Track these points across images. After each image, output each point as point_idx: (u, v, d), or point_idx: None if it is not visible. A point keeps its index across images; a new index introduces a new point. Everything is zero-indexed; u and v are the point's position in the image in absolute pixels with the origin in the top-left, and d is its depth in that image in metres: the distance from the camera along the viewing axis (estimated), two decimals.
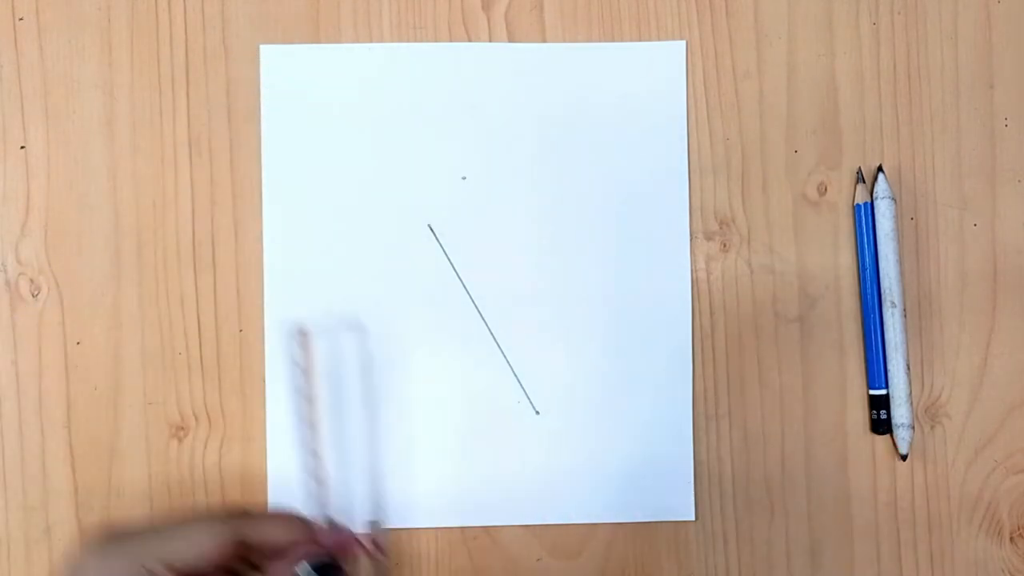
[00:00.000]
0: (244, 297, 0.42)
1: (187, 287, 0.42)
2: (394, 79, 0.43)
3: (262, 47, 0.43)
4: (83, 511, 0.42)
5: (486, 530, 0.43)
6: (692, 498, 0.42)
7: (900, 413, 0.42)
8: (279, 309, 0.42)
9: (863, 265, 0.43)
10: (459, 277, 0.43)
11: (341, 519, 0.38)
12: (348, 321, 0.42)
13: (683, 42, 0.44)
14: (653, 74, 0.43)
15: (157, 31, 0.43)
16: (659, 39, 0.44)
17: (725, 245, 0.44)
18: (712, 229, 0.44)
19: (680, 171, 0.43)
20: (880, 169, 0.43)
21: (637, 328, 0.43)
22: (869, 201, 0.43)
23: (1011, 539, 0.43)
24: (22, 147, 0.42)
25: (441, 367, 0.42)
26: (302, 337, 0.41)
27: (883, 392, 0.43)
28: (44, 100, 0.43)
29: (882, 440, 0.43)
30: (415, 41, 0.43)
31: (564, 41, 0.44)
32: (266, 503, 0.42)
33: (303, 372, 0.41)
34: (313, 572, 0.32)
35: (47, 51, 0.43)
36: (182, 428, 0.42)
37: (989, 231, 0.44)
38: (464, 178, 0.43)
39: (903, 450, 0.43)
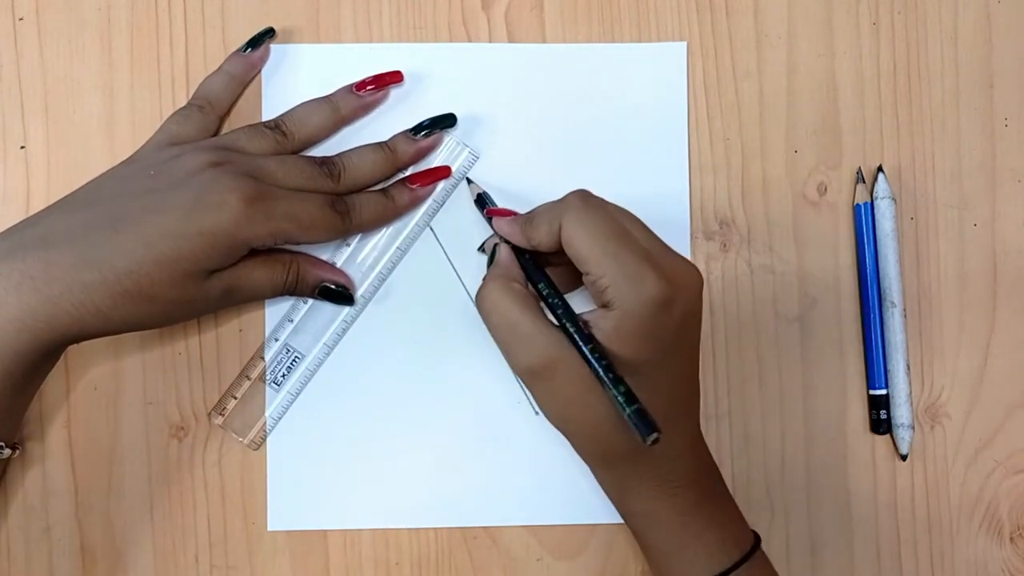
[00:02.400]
0: None
1: None
2: None
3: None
4: (83, 511, 0.42)
5: (486, 530, 0.43)
6: None
7: (900, 413, 0.42)
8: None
9: (863, 265, 0.43)
10: (459, 277, 0.43)
11: None
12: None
13: (684, 43, 0.44)
14: (654, 75, 0.43)
15: (157, 31, 0.43)
16: (659, 39, 0.44)
17: (725, 245, 0.44)
18: (712, 229, 0.44)
19: (680, 171, 0.43)
20: (880, 169, 0.43)
21: None
22: (869, 201, 0.43)
23: (1011, 539, 0.43)
24: (22, 147, 0.42)
25: (441, 367, 0.42)
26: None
27: (883, 392, 0.43)
28: (44, 100, 0.43)
29: (882, 440, 0.43)
30: (415, 41, 0.43)
31: (564, 41, 0.44)
32: (265, 504, 0.42)
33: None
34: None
35: (47, 51, 0.43)
36: (182, 428, 0.42)
37: (989, 231, 0.44)
38: (464, 178, 0.43)
39: (903, 450, 0.43)
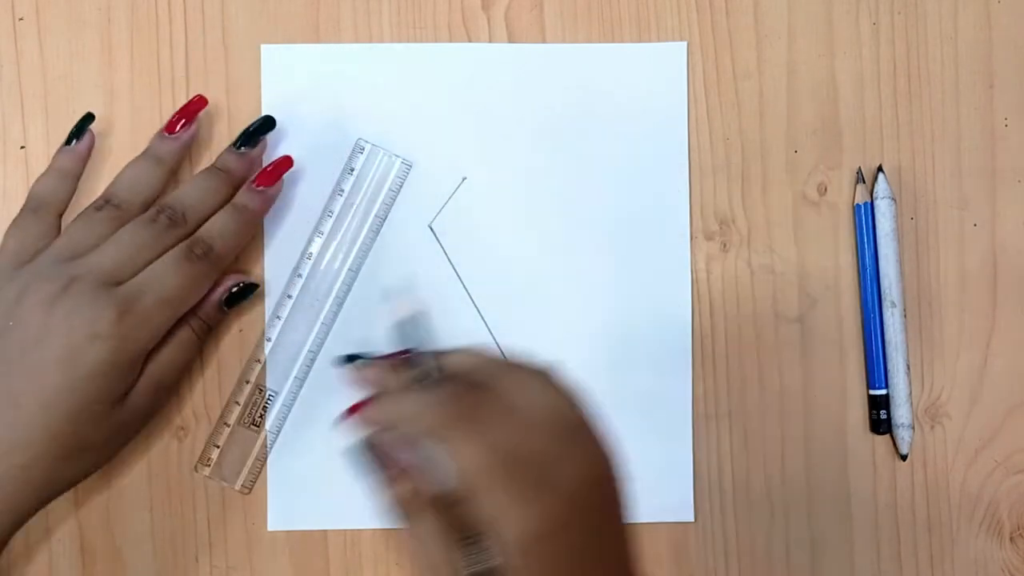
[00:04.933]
0: None
1: None
2: (394, 79, 0.43)
3: (263, 47, 0.43)
4: (83, 511, 0.42)
5: None
6: (691, 499, 0.42)
7: (900, 413, 0.42)
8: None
9: (863, 265, 0.43)
10: (459, 277, 0.43)
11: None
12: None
13: (684, 43, 0.44)
14: (654, 75, 0.43)
15: (157, 31, 0.43)
16: (659, 39, 0.44)
17: (725, 245, 0.44)
18: (712, 229, 0.44)
19: (680, 171, 0.43)
20: (880, 169, 0.43)
21: (637, 328, 0.43)
22: (869, 201, 0.43)
23: (1011, 539, 0.43)
24: (22, 147, 0.42)
25: None
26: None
27: (883, 392, 0.43)
28: (44, 100, 0.43)
29: (882, 440, 0.43)
30: (415, 41, 0.43)
31: (564, 41, 0.44)
32: (265, 504, 0.42)
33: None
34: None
35: (47, 51, 0.43)
36: (182, 428, 0.42)
37: (989, 231, 0.44)
38: (464, 178, 0.43)
39: (903, 450, 0.43)
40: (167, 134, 0.40)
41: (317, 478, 0.42)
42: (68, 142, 0.40)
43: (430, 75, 0.43)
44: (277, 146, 0.42)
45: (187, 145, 0.40)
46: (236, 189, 0.40)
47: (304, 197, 0.42)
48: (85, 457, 0.36)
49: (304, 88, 0.43)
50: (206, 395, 0.42)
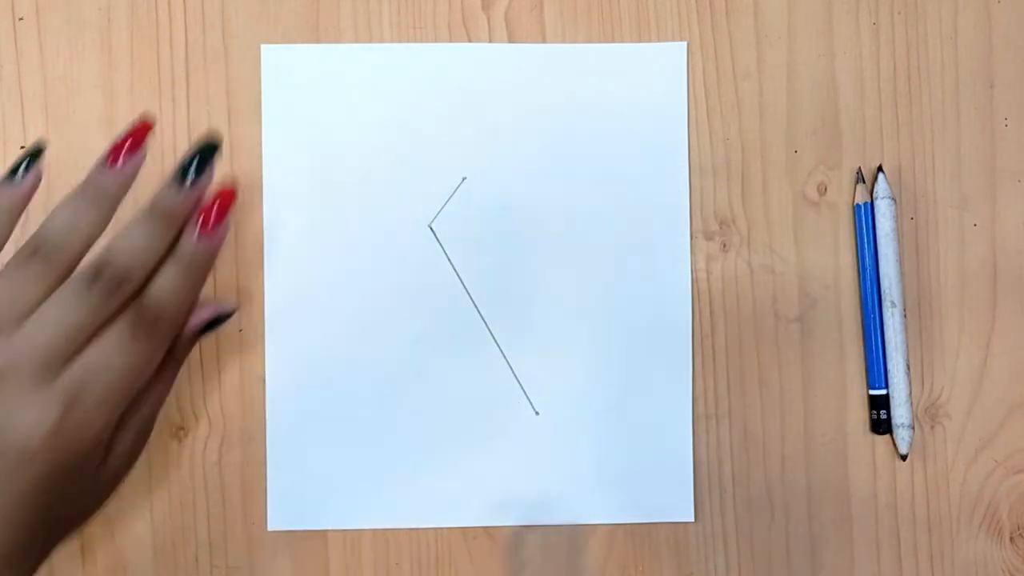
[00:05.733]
0: (244, 297, 0.42)
1: None
2: (394, 79, 0.43)
3: (263, 47, 0.43)
4: None
5: (486, 530, 0.43)
6: (691, 498, 0.43)
7: (900, 413, 0.42)
8: (280, 309, 0.42)
9: (863, 265, 0.43)
10: (459, 277, 0.43)
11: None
12: (349, 324, 0.42)
13: (684, 43, 0.44)
14: (654, 75, 0.44)
15: (157, 31, 0.43)
16: (659, 39, 0.44)
17: (725, 245, 0.44)
18: (712, 229, 0.44)
19: (680, 171, 0.43)
20: (880, 169, 0.43)
21: (637, 328, 0.43)
22: (869, 201, 0.43)
23: (1011, 539, 0.43)
24: (22, 147, 0.42)
25: (441, 367, 0.42)
26: None
27: (883, 392, 0.43)
28: (44, 100, 0.43)
29: (882, 440, 0.43)
30: (415, 41, 0.43)
31: (564, 41, 0.44)
32: (265, 504, 0.42)
33: None
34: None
35: (47, 51, 0.43)
36: (182, 428, 0.42)
37: (989, 231, 0.44)
38: (464, 178, 0.43)
39: (903, 450, 0.43)
40: (110, 166, 0.33)
41: (317, 478, 0.42)
42: (9, 177, 0.33)
43: (430, 75, 0.43)
44: (277, 145, 0.42)
45: (131, 179, 0.33)
46: (180, 228, 0.33)
47: (304, 198, 0.42)
48: (74, 524, 0.35)
49: (304, 88, 0.43)
50: (206, 396, 0.42)
